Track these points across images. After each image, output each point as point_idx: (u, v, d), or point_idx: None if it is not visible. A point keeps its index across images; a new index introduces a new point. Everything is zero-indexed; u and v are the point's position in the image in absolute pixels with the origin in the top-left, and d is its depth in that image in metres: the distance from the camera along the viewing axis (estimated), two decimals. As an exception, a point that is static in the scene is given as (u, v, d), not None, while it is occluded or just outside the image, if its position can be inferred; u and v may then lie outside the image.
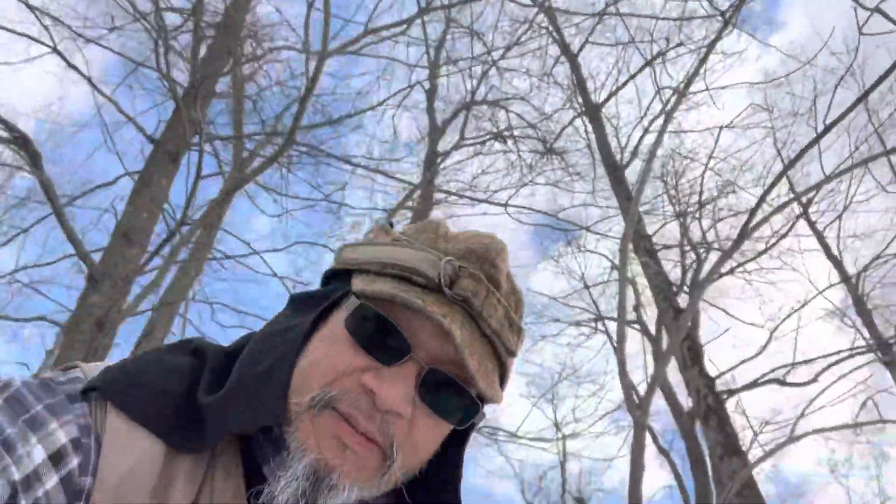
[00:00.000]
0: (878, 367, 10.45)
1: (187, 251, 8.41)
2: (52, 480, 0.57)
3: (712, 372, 9.05)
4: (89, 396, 0.63)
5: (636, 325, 10.74)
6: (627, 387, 5.42)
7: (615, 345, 6.07)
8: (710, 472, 9.12)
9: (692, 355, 9.09)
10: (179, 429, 0.63)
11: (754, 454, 8.30)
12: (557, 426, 15.63)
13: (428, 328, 0.65)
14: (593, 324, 12.59)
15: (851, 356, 9.55)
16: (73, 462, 0.59)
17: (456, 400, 0.67)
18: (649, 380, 6.17)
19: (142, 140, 7.00)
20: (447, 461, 0.74)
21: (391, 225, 0.77)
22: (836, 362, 9.27)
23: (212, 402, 0.65)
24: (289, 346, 0.66)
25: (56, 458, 0.58)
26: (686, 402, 9.03)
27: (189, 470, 0.63)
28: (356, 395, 0.64)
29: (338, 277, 0.74)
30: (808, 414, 8.49)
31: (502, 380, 0.72)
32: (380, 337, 0.65)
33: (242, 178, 8.34)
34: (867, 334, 10.73)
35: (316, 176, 10.40)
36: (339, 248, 0.75)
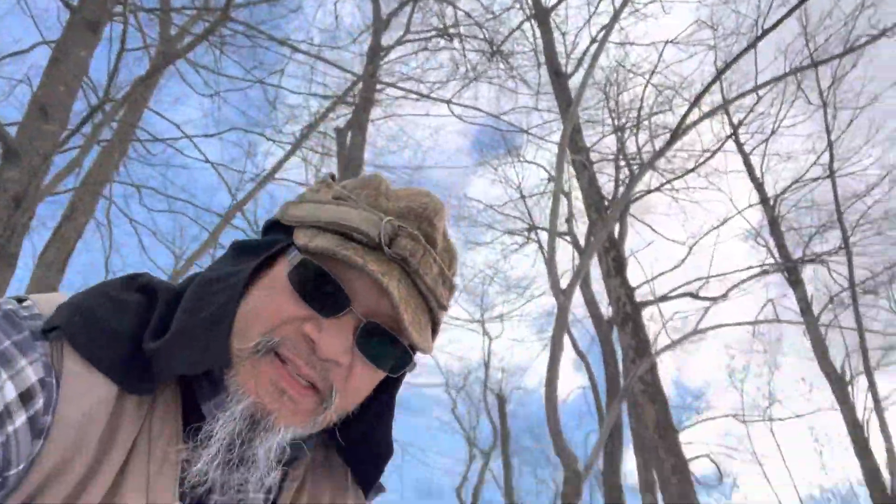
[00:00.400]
0: (783, 284, 11.24)
1: (111, 130, 7.92)
2: (20, 419, 0.58)
3: (634, 283, 9.50)
4: (48, 335, 0.64)
5: (567, 238, 11.02)
6: (553, 274, 5.72)
7: (546, 255, 6.29)
8: (621, 375, 9.76)
9: (616, 266, 9.49)
10: (131, 372, 0.65)
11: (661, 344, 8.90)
12: (483, 326, 16.17)
13: (367, 284, 0.68)
14: (526, 233, 12.86)
15: (761, 274, 10.21)
16: (40, 402, 0.60)
17: (391, 350, 0.71)
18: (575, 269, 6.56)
19: (59, 6, 6.40)
20: (379, 403, 0.79)
21: (333, 177, 0.79)
22: (747, 279, 9.89)
23: (158, 346, 0.66)
24: (231, 293, 0.68)
25: (26, 397, 0.59)
26: (607, 311, 9.48)
27: (134, 409, 0.66)
28: (297, 341, 0.67)
29: (279, 229, 0.76)
30: (714, 324, 9.11)
31: (434, 331, 0.77)
32: (321, 290, 0.68)
33: (171, 54, 7.79)
34: (777, 254, 11.44)
35: (251, 59, 9.85)
36: (283, 204, 0.77)
